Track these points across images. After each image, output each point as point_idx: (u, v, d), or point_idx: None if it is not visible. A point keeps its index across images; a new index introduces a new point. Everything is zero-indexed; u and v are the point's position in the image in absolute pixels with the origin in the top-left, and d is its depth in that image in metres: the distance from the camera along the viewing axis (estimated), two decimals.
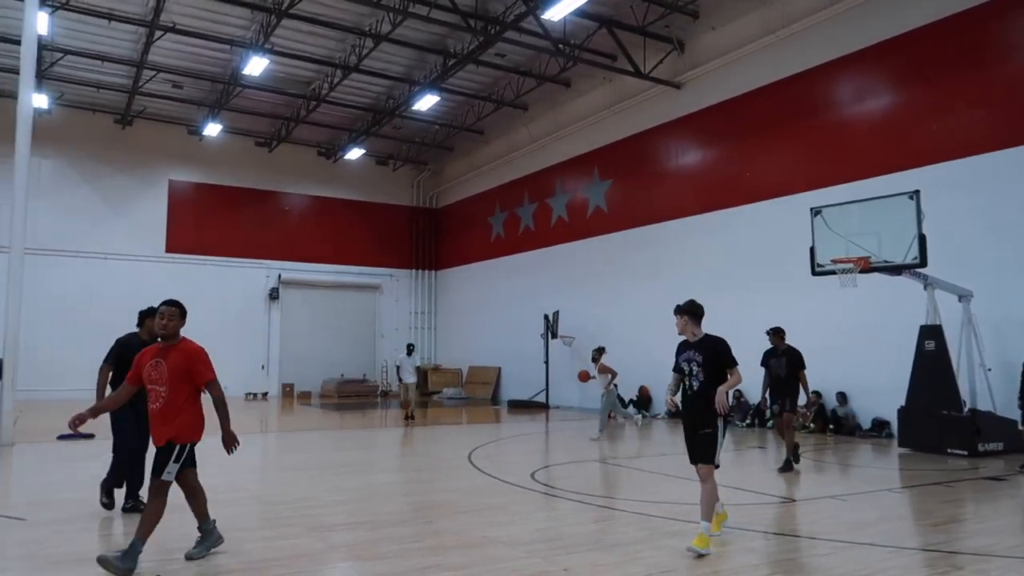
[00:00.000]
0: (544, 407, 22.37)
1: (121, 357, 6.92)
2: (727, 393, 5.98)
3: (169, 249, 26.21)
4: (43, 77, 20.59)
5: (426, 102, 22.48)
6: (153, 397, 5.37)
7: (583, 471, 10.48)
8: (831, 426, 14.57)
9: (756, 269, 16.64)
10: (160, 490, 5.30)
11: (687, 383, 6.12)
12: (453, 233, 30.55)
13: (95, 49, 20.41)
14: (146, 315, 7.20)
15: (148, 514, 5.27)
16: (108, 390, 7.19)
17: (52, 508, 7.41)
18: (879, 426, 13.95)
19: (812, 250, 12.47)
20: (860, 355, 14.14)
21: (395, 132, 27.21)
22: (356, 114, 25.59)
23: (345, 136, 27.26)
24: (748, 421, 16.17)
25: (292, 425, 18.20)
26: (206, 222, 26.97)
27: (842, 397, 14.70)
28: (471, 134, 26.84)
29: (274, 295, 28.02)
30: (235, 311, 26.99)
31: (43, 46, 18.88)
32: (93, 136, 25.15)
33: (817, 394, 14.21)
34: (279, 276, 28.15)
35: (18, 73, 13.75)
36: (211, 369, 5.56)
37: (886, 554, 5.74)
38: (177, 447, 5.40)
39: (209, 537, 5.68)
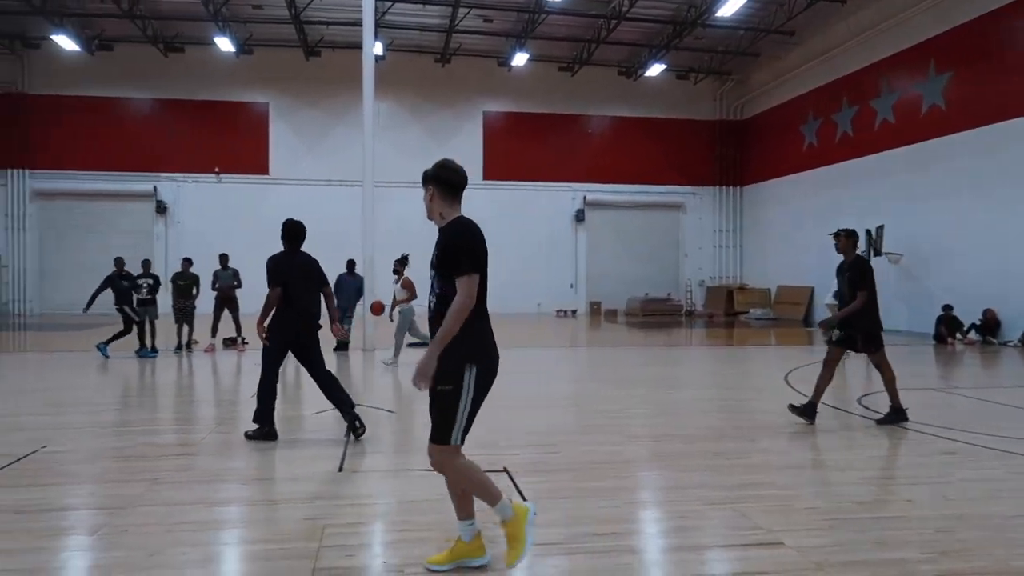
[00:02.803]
0: None
1: None
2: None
3: (486, 176, 28.33)
4: (378, 26, 23.02)
5: (731, 6, 21.17)
6: None
7: (917, 399, 9.54)
8: None
9: None
10: None
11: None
12: (760, 146, 28.85)
13: None
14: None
15: None
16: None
17: (414, 402, 8.61)
18: None
19: None
20: None
21: (697, 43, 26.10)
22: (656, 28, 25.00)
23: (645, 53, 26.81)
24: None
25: (600, 341, 18.97)
26: (517, 149, 28.60)
27: None
28: (780, 36, 24.78)
29: (580, 216, 29.06)
30: (545, 233, 28.60)
31: None
32: (417, 76, 27.76)
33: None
34: (584, 198, 29.06)
35: (360, 25, 15.51)
36: None
37: None
38: None
39: None
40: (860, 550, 4.01)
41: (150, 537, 4.14)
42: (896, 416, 7.38)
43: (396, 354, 12.52)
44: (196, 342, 14.59)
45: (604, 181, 29.24)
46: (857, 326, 7.37)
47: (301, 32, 24.91)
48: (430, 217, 3.86)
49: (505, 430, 7.08)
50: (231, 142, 27.08)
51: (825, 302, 14.93)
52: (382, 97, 26.48)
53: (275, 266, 6.72)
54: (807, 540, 4.13)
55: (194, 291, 14.48)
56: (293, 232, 6.88)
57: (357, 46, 16.52)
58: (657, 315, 26.86)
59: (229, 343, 14.79)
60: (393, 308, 12.74)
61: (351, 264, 15.05)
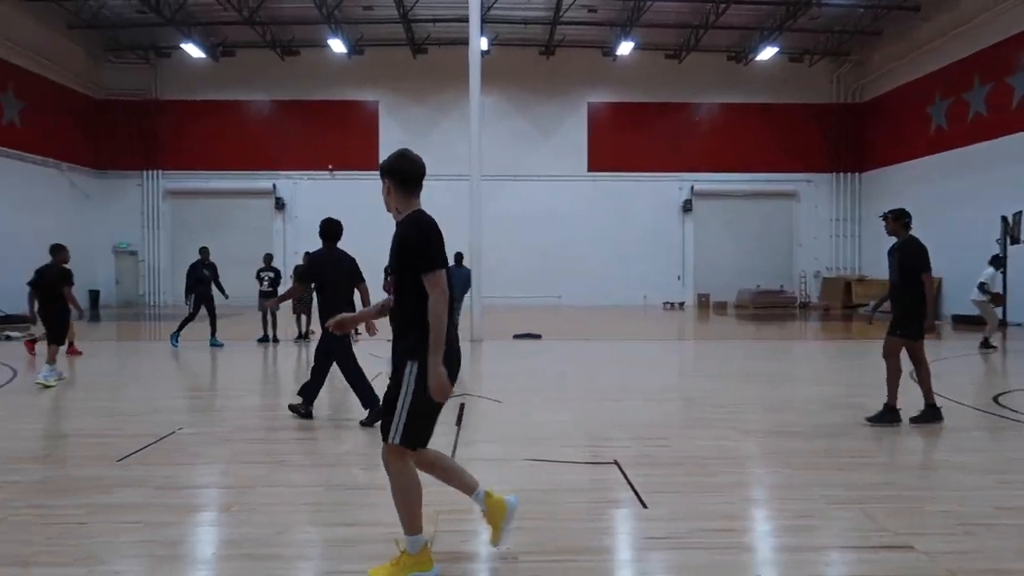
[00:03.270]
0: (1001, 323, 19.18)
1: None
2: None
3: (591, 168, 28.16)
4: (483, 21, 23.26)
5: None
6: None
7: None
8: None
9: None
10: None
11: None
12: (880, 129, 27.30)
13: None
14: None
15: None
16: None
17: (522, 392, 8.68)
18: None
19: None
20: None
21: (812, 23, 24.98)
22: (768, 10, 24.09)
23: (756, 36, 25.89)
24: None
25: (709, 334, 18.51)
26: (622, 139, 28.27)
27: None
28: (905, 12, 23.36)
29: (687, 207, 28.43)
30: (650, 223, 28.19)
31: None
32: (521, 69, 27.86)
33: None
34: (691, 187, 28.40)
35: (466, 21, 15.71)
36: None
37: None
38: None
39: None
40: (1001, 559, 3.74)
41: (276, 515, 4.36)
42: (932, 413, 6.82)
43: None
44: (313, 332, 15.23)
45: (712, 170, 28.46)
46: (900, 306, 6.88)
47: (409, 30, 25.50)
48: (389, 211, 3.57)
49: (614, 423, 7.03)
50: (343, 140, 28.07)
51: (971, 298, 13.94)
52: (487, 91, 26.69)
53: (313, 263, 7.26)
54: (939, 545, 3.89)
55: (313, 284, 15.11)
56: (330, 230, 7.33)
57: (463, 42, 16.75)
58: (769, 308, 25.96)
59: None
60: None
61: (459, 256, 15.29)
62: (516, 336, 15.43)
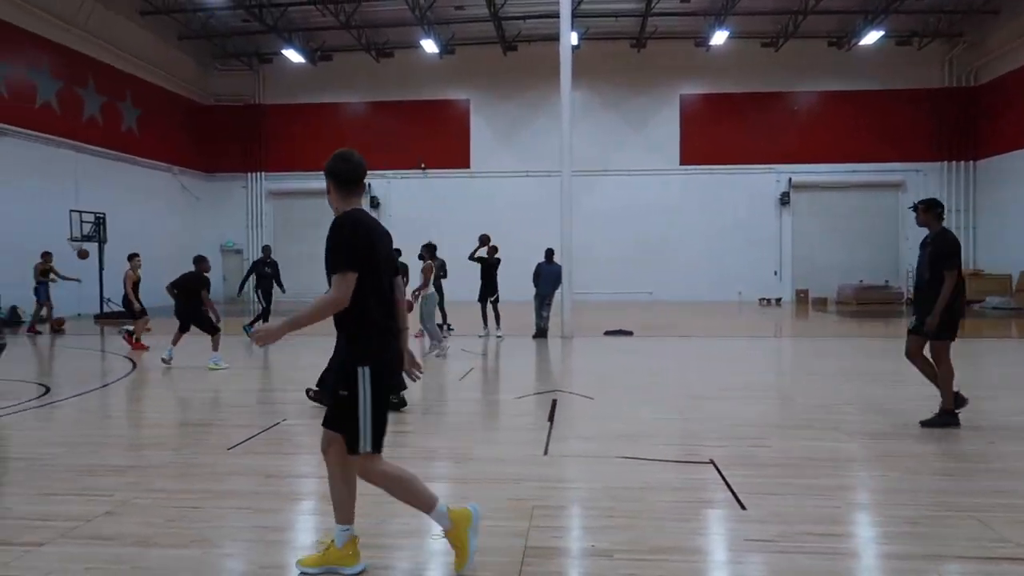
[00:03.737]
0: None
1: None
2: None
3: (683, 161, 27.63)
4: (574, 16, 23.17)
5: None
6: None
7: None
8: None
9: None
10: None
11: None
12: (998, 114, 25.59)
13: None
14: None
15: None
16: None
17: (613, 390, 8.63)
18: None
19: None
20: None
21: (920, 3, 23.68)
22: None
23: (860, 19, 24.74)
24: None
25: (809, 331, 17.86)
26: (715, 132, 27.60)
27: None
28: None
29: (784, 199, 27.50)
30: (745, 217, 27.44)
31: None
32: (612, 63, 27.58)
33: None
34: (789, 180, 27.46)
35: (557, 17, 15.68)
36: None
37: None
38: None
39: None
40: None
41: (377, 506, 4.47)
42: (948, 418, 6.52)
43: (438, 340, 11.92)
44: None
45: (811, 161, 27.40)
46: (927, 305, 6.49)
47: (499, 28, 25.67)
48: (332, 209, 3.61)
49: (710, 421, 6.90)
50: (435, 139, 28.55)
51: None
52: (577, 86, 26.55)
53: None
54: None
55: (404, 280, 15.42)
56: None
57: (553, 38, 16.78)
58: (873, 304, 24.79)
59: None
60: (416, 297, 12.05)
61: (550, 253, 15.31)
62: (607, 332, 15.32)
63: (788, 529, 4.08)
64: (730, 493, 4.70)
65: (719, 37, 25.32)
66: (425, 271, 11.97)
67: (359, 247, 3.36)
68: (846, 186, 27.41)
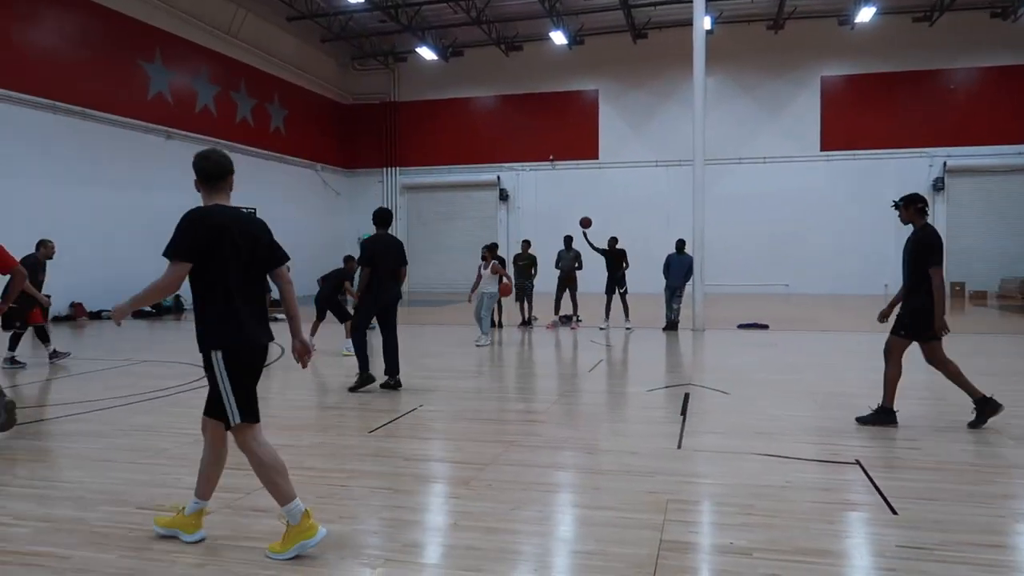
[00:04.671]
0: None
1: None
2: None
3: (824, 147, 26.27)
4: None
5: None
6: None
7: None
8: None
9: None
10: None
11: None
12: None
13: None
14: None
15: None
16: None
17: (748, 385, 8.37)
18: None
19: None
20: None
21: None
22: None
23: None
24: None
25: (965, 327, 16.55)
26: (860, 115, 26.04)
27: None
28: None
29: (938, 185, 25.56)
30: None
31: None
32: (747, 46, 26.56)
33: None
34: (944, 164, 25.49)
35: (690, 1, 15.29)
36: None
37: None
38: None
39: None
40: None
41: (510, 492, 4.59)
42: (984, 408, 6.24)
43: (484, 331, 12.73)
44: (536, 318, 15.70)
45: (970, 144, 25.30)
46: (910, 302, 6.29)
47: (629, 16, 25.30)
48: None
49: (853, 420, 6.54)
50: (564, 130, 28.56)
51: None
52: (709, 72, 25.81)
53: (367, 246, 8.18)
54: None
55: (532, 271, 15.56)
56: (381, 217, 8.46)
57: (685, 23, 16.38)
58: None
59: (564, 320, 15.65)
60: (473, 290, 13.20)
61: (680, 244, 14.99)
62: (741, 326, 14.85)
63: (944, 537, 3.82)
64: (879, 496, 4.46)
65: (865, 14, 23.78)
66: (496, 271, 12.77)
67: (197, 240, 3.55)
68: (1011, 170, 25.13)
